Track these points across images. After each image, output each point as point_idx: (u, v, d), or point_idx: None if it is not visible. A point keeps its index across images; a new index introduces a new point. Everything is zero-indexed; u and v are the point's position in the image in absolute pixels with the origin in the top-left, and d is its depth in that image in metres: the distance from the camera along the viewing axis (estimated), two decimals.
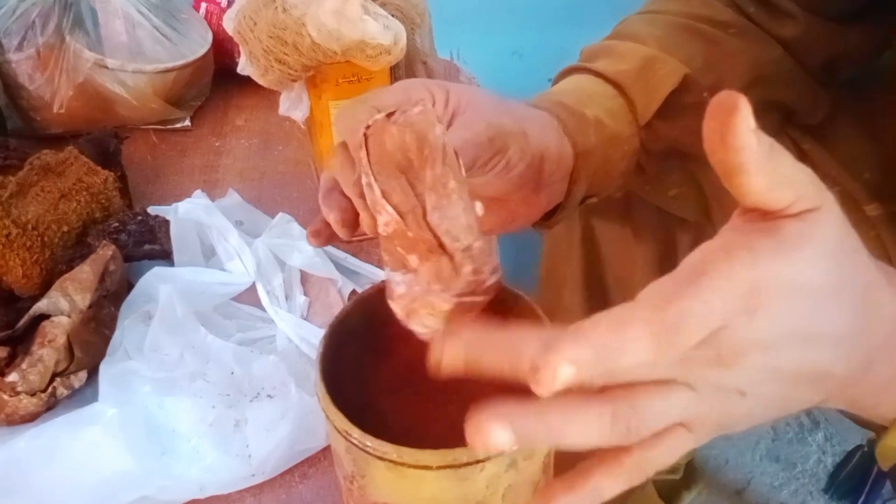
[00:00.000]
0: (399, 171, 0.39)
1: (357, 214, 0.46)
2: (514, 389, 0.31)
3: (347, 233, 0.47)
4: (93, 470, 0.56)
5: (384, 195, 0.39)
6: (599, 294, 0.91)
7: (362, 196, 0.42)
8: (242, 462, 0.60)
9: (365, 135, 0.39)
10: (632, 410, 0.33)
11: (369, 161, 0.39)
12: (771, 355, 0.33)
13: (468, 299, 0.42)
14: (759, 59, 0.64)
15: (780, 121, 0.70)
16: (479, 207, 0.40)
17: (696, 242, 0.89)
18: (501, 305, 0.53)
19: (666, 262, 0.84)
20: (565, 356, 0.29)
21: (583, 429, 0.32)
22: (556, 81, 0.63)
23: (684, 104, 0.60)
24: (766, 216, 0.33)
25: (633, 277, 0.86)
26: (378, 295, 0.54)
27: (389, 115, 0.39)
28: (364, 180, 0.40)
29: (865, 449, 0.90)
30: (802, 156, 0.71)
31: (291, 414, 0.61)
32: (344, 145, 0.47)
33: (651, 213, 0.81)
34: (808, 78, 0.66)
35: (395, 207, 0.39)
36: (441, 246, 0.39)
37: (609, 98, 0.58)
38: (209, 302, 0.68)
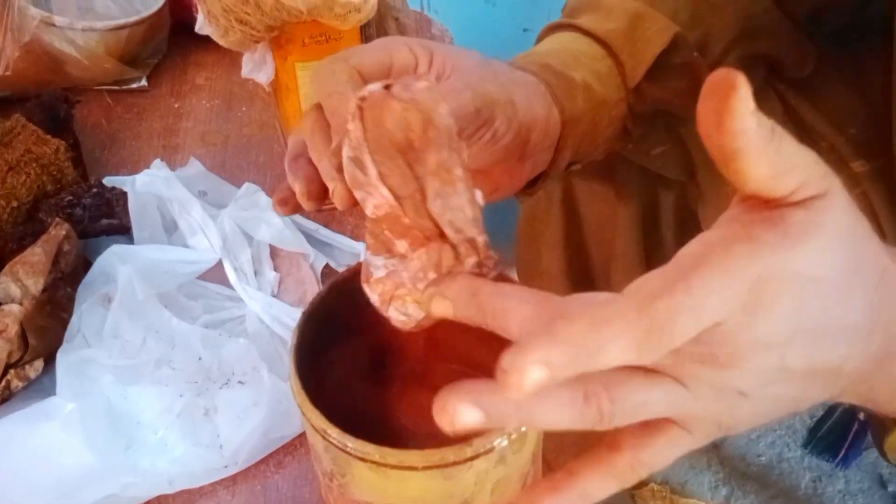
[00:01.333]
0: (397, 151, 0.35)
1: (324, 186, 0.43)
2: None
3: (313, 205, 0.45)
4: (52, 469, 0.53)
5: (381, 177, 0.35)
6: (579, 254, 0.89)
7: (340, 169, 0.39)
8: (213, 453, 0.57)
9: (359, 107, 0.35)
10: (606, 395, 0.31)
11: (365, 137, 0.35)
12: (776, 355, 0.31)
13: None
14: (745, 11, 0.61)
15: (766, 75, 0.68)
16: (479, 197, 0.36)
17: (679, 202, 0.87)
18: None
19: (648, 222, 0.82)
20: (537, 358, 0.27)
21: (554, 409, 0.31)
22: (539, 38, 0.59)
23: (672, 64, 0.58)
24: (767, 203, 0.30)
25: (615, 238, 0.85)
26: (353, 279, 0.51)
27: (387, 86, 0.35)
28: (349, 154, 0.36)
29: (846, 405, 0.89)
30: (788, 110, 0.70)
31: (264, 400, 0.58)
32: (318, 108, 0.44)
33: (634, 172, 0.79)
34: (795, 29, 0.64)
35: (391, 190, 0.36)
36: (442, 235, 0.36)
37: (597, 60, 0.55)
38: (172, 282, 0.64)
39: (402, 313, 0.40)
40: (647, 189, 0.80)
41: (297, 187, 0.44)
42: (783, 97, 0.70)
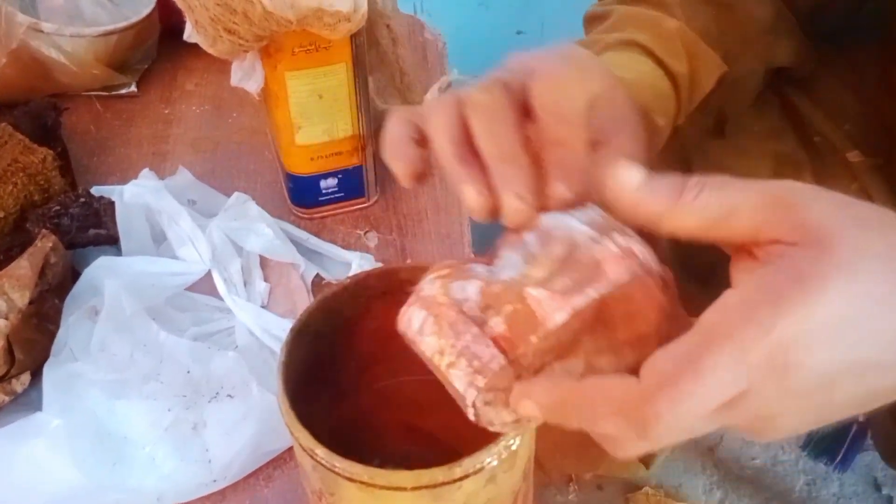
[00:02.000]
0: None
1: (429, 165, 0.40)
2: None
3: (413, 183, 0.41)
4: (37, 487, 0.52)
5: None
6: None
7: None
8: (203, 467, 0.56)
9: None
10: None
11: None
12: (819, 399, 0.30)
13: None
14: (763, 25, 0.62)
15: (770, 78, 0.69)
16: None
17: None
18: None
19: None
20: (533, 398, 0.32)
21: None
22: (588, 27, 0.60)
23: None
24: (766, 251, 0.30)
25: None
26: (341, 294, 0.51)
27: None
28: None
29: None
30: (785, 104, 0.71)
31: (254, 414, 0.57)
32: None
33: None
34: (799, 30, 0.65)
35: None
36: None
37: (665, 98, 0.55)
38: (160, 295, 0.63)
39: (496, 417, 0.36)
40: None
41: (400, 168, 0.40)
42: (780, 92, 0.71)
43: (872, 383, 0.30)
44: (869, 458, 1.30)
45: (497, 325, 0.34)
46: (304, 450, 0.43)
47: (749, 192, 0.31)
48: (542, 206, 0.37)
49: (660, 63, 0.55)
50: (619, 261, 0.33)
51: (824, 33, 0.68)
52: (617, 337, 0.34)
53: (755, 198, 0.30)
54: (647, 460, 1.25)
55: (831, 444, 0.94)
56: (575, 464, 1.15)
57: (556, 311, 0.32)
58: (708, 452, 1.33)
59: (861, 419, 0.86)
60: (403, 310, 0.37)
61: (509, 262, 0.36)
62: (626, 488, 1.27)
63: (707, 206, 0.31)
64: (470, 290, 0.35)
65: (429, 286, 0.37)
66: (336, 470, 0.42)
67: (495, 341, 0.34)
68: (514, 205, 0.36)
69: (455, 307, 0.35)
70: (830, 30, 0.68)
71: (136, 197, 0.66)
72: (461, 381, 0.34)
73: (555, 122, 0.38)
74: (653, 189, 0.32)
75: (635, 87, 0.53)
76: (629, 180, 0.32)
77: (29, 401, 0.60)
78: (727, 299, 0.30)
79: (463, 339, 0.34)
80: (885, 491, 1.27)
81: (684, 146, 0.73)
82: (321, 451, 0.42)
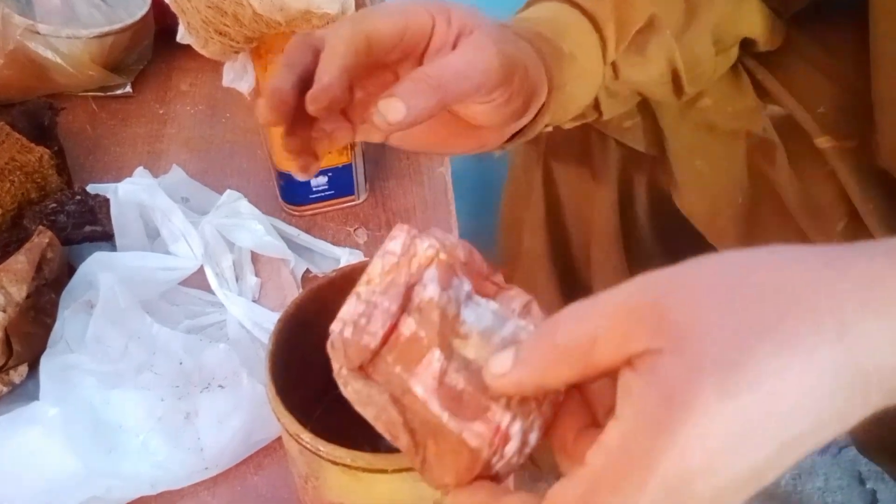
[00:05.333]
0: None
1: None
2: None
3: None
4: (34, 473, 0.54)
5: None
6: (560, 235, 0.93)
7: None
8: (195, 455, 0.58)
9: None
10: None
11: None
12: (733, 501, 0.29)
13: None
14: None
15: (739, 54, 0.69)
16: None
17: (651, 182, 0.90)
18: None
19: (623, 202, 0.85)
20: None
21: None
22: (528, 5, 0.61)
23: (647, 43, 0.59)
24: (635, 359, 0.29)
25: (592, 217, 0.88)
26: (329, 286, 0.53)
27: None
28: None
29: None
30: (757, 84, 0.71)
31: (244, 404, 0.59)
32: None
33: (609, 155, 0.82)
34: (767, 7, 0.66)
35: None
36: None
37: (584, 33, 0.56)
38: (154, 290, 0.65)
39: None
40: (622, 171, 0.83)
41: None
42: (751, 73, 0.72)
43: (791, 460, 0.29)
44: (853, 453, 1.32)
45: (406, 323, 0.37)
46: (291, 435, 0.45)
47: (603, 314, 0.30)
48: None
49: (573, 4, 0.57)
50: None
51: (794, 14, 0.68)
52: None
53: (610, 315, 0.30)
54: None
55: None
56: None
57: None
58: None
59: None
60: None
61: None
62: None
63: (568, 353, 0.31)
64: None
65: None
66: (320, 454, 0.44)
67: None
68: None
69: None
70: (800, 11, 0.68)
71: (129, 195, 0.68)
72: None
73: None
74: (521, 360, 0.32)
75: (531, 20, 0.55)
76: (499, 368, 0.33)
77: (26, 391, 0.61)
78: (609, 436, 0.29)
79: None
80: (868, 485, 1.29)
81: (659, 127, 0.74)
82: (306, 436, 0.44)
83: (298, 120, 0.45)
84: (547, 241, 0.92)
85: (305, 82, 0.45)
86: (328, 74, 0.43)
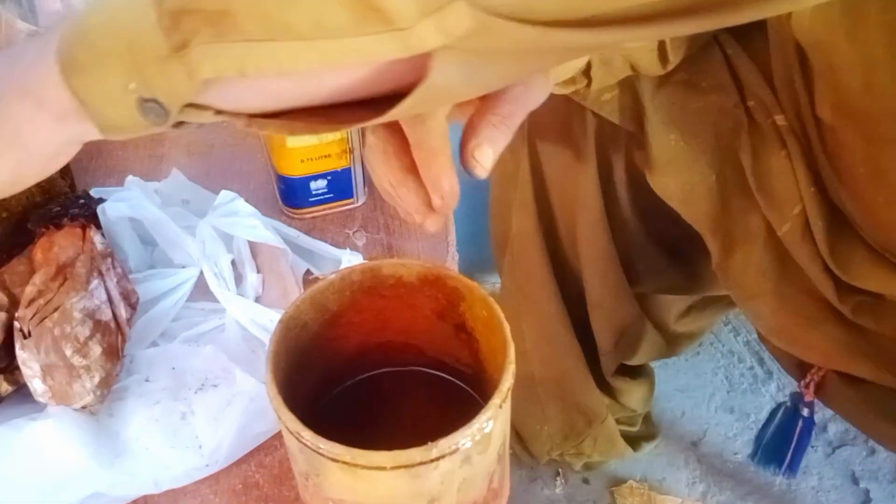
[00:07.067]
0: None
1: None
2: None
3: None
4: (39, 468, 0.55)
5: None
6: (547, 213, 0.95)
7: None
8: (194, 453, 0.59)
9: None
10: None
11: None
12: None
13: None
14: None
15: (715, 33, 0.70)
16: None
17: (628, 160, 0.91)
18: (454, 294, 0.52)
19: (604, 179, 0.87)
20: None
21: None
22: None
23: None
24: None
25: (577, 194, 0.90)
26: (328, 288, 0.54)
27: None
28: None
29: (788, 404, 0.90)
30: (727, 60, 0.72)
31: (238, 400, 0.60)
32: None
33: (588, 136, 0.84)
34: None
35: None
36: None
37: None
38: (166, 321, 0.67)
39: None
40: (601, 150, 0.85)
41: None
42: (723, 46, 0.72)
43: None
44: (848, 452, 1.34)
45: None
46: (291, 433, 0.46)
47: None
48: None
49: None
50: None
51: None
52: None
53: None
54: (634, 443, 1.27)
55: (778, 446, 0.94)
56: (561, 442, 1.17)
57: None
58: (691, 447, 1.36)
59: (805, 414, 0.88)
60: None
61: None
62: (612, 482, 1.30)
63: None
64: None
65: None
66: (320, 451, 0.45)
67: None
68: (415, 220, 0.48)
69: None
70: None
71: (117, 211, 0.69)
72: None
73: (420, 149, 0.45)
74: None
75: None
76: None
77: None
78: None
79: None
80: (862, 484, 1.30)
81: (637, 101, 0.75)
82: (307, 434, 0.45)
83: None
84: (536, 222, 0.94)
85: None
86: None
